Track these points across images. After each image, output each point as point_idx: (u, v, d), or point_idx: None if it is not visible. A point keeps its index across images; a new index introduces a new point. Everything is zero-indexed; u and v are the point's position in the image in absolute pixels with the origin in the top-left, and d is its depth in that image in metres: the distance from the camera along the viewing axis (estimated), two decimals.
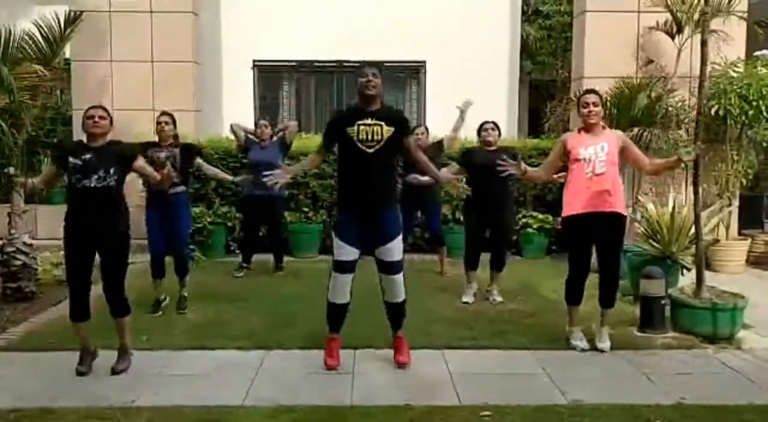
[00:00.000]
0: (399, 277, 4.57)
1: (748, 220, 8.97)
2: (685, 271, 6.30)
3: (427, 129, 7.75)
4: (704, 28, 5.60)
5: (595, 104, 4.89)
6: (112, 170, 4.34)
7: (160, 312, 5.94)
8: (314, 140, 9.02)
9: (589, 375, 4.52)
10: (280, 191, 7.47)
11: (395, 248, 4.52)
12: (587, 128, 4.94)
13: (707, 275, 5.60)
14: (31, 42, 6.66)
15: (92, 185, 4.30)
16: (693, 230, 5.85)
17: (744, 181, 8.24)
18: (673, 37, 8.27)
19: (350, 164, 4.45)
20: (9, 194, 6.66)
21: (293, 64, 10.79)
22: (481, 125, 6.42)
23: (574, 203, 4.90)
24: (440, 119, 9.88)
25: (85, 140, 4.49)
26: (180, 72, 9.37)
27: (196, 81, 9.66)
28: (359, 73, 4.47)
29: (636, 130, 7.77)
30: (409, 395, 4.11)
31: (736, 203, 8.37)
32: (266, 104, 10.96)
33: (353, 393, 4.17)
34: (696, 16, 7.79)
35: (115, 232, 4.43)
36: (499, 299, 6.37)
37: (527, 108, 12.59)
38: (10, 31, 6.43)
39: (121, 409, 3.88)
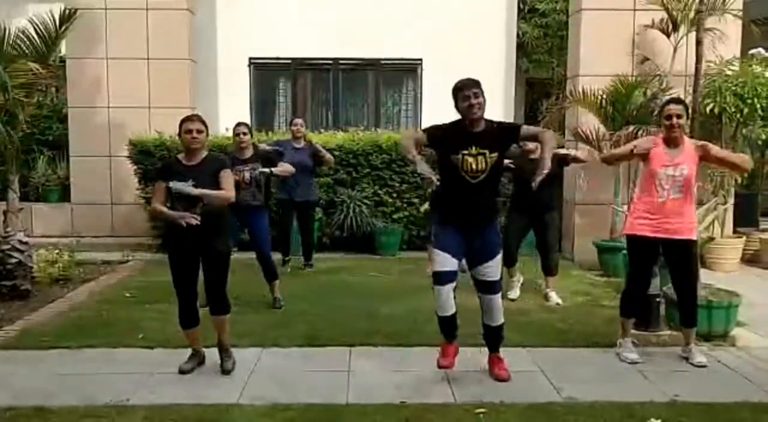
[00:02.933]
0: (498, 298, 4.37)
1: (743, 218, 8.99)
2: None
3: None
4: (700, 26, 5.61)
5: (679, 116, 4.58)
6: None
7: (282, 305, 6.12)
8: (311, 138, 9.03)
9: (584, 373, 4.53)
10: (315, 195, 7.68)
11: (496, 267, 4.33)
12: (669, 141, 4.67)
13: (702, 273, 5.61)
14: (26, 40, 6.64)
15: (197, 212, 4.24)
16: None
17: (739, 179, 8.26)
18: (668, 36, 8.28)
19: (453, 189, 4.23)
20: (5, 192, 6.64)
21: (289, 61, 10.77)
22: None
23: (642, 224, 4.72)
24: (436, 116, 9.88)
25: (183, 155, 4.41)
26: (176, 70, 9.37)
27: (192, 79, 9.65)
28: (458, 92, 4.16)
29: (631, 128, 7.78)
30: (404, 393, 4.12)
31: (731, 201, 8.39)
32: (262, 102, 10.96)
33: (349, 391, 4.17)
34: (691, 14, 7.80)
35: (216, 252, 4.37)
36: (558, 300, 6.33)
37: (523, 106, 12.60)
38: (5, 28, 6.42)
39: (116, 407, 3.88)
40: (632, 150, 4.73)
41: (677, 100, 4.81)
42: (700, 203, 6.58)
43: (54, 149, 10.00)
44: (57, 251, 7.30)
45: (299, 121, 7.73)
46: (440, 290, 4.25)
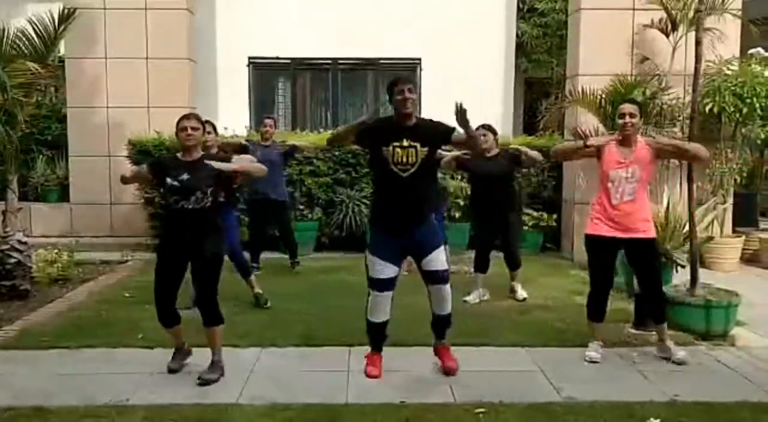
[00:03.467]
0: (447, 287, 4.40)
1: (743, 218, 8.99)
2: (679, 268, 6.31)
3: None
4: (699, 26, 5.60)
5: (632, 115, 4.61)
6: (209, 191, 4.28)
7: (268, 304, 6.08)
8: (309, 138, 9.05)
9: (583, 373, 4.54)
10: (283, 193, 7.52)
11: (438, 258, 4.34)
12: (622, 140, 4.71)
13: (701, 272, 5.62)
14: (25, 39, 6.64)
15: (190, 206, 4.23)
16: (687, 227, 5.86)
17: (738, 178, 8.27)
18: (667, 35, 8.28)
19: (385, 185, 4.33)
20: (4, 191, 6.64)
21: (288, 61, 10.77)
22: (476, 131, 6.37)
23: (599, 224, 4.74)
24: (435, 116, 9.88)
25: (180, 153, 4.40)
26: (175, 69, 9.36)
27: (192, 79, 9.65)
28: (393, 87, 4.26)
29: None
30: (403, 393, 4.12)
31: (730, 200, 8.39)
32: (262, 102, 10.96)
33: (348, 391, 4.18)
34: (691, 14, 7.81)
35: (209, 252, 4.32)
36: (524, 295, 6.37)
37: (522, 106, 12.60)
38: (4, 28, 6.41)
39: (116, 407, 3.88)
40: (584, 144, 4.78)
41: (631, 100, 4.84)
42: (699, 203, 6.59)
43: (53, 149, 10.00)
44: (56, 251, 7.29)
45: (269, 122, 7.53)
46: (378, 296, 4.38)
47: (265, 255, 7.74)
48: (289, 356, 4.81)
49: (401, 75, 4.45)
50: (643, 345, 5.10)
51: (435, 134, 4.31)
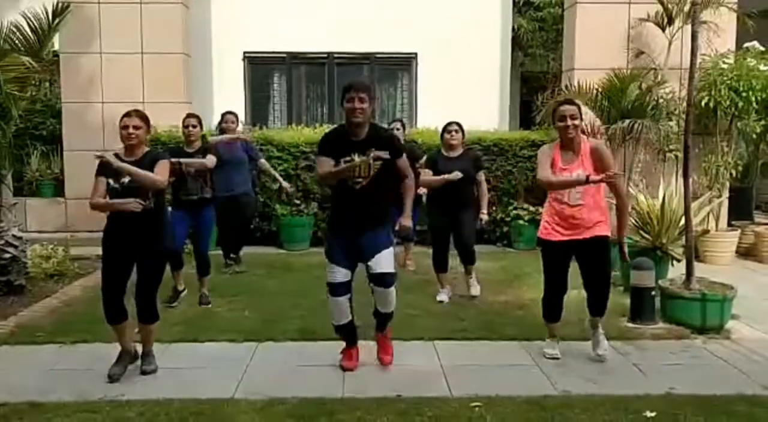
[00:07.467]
0: (392, 291, 4.36)
1: (738, 211, 9.01)
2: (674, 262, 6.33)
3: (403, 125, 7.61)
4: (695, 19, 5.60)
5: (573, 117, 4.34)
6: (150, 193, 4.23)
7: (177, 303, 5.94)
8: (304, 132, 9.03)
9: (579, 366, 4.54)
10: (242, 187, 7.29)
11: (386, 260, 4.29)
12: (565, 144, 4.45)
13: (697, 266, 5.62)
14: (18, 34, 6.61)
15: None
16: (683, 221, 5.87)
17: (734, 172, 8.27)
18: (663, 29, 8.28)
19: (339, 196, 4.31)
20: None
21: (284, 55, 10.75)
22: (445, 127, 6.22)
23: (550, 229, 4.55)
24: (431, 110, 9.89)
25: (122, 151, 4.34)
26: (170, 64, 9.33)
27: (187, 73, 9.61)
28: (345, 93, 4.13)
29: (627, 122, 7.79)
30: (400, 387, 4.12)
31: (725, 194, 8.40)
32: (257, 96, 10.94)
33: (344, 385, 4.18)
34: (686, 7, 7.81)
35: (154, 250, 4.31)
36: (476, 293, 6.19)
37: (518, 100, 12.60)
38: None
39: (111, 403, 3.87)
40: (587, 180, 4.30)
41: (570, 101, 4.64)
42: (695, 197, 6.60)
43: (48, 144, 9.95)
44: (51, 246, 7.27)
45: (230, 117, 7.35)
46: (335, 301, 4.38)
47: (259, 251, 7.73)
48: (285, 350, 4.81)
49: (357, 79, 4.23)
50: (639, 339, 5.10)
51: (387, 149, 4.19)
